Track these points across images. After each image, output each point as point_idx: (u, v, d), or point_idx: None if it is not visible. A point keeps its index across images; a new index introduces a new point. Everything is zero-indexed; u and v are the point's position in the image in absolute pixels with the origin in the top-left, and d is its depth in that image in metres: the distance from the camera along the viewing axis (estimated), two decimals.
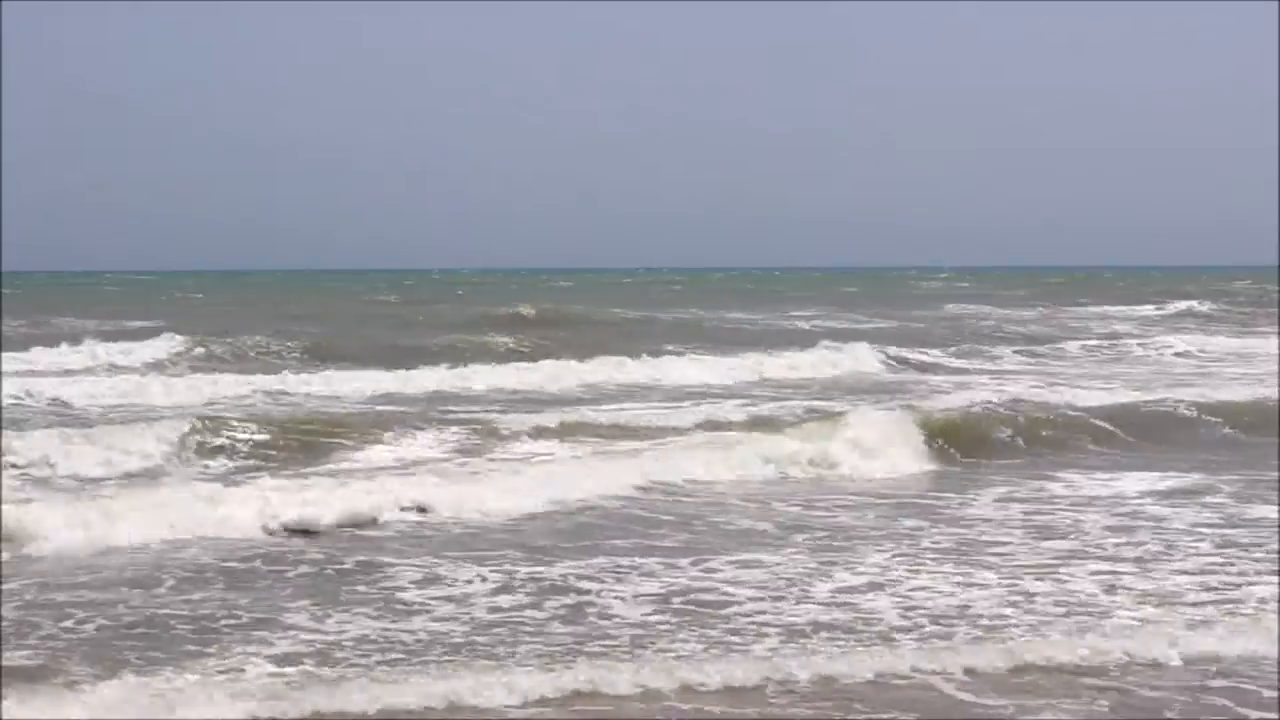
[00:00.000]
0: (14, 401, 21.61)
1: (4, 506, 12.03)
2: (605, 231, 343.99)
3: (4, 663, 8.25)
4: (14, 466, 15.46)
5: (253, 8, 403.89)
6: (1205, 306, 53.53)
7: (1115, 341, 36.10)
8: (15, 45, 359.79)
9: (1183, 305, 53.97)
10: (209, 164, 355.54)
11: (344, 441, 17.36)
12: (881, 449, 15.75)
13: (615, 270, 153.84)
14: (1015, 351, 33.12)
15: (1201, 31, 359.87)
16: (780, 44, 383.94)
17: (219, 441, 17.20)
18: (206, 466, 16.19)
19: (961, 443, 16.92)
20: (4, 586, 10.16)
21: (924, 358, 30.13)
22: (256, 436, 17.34)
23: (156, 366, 28.52)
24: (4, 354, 28.44)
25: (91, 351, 29.58)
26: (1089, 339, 36.63)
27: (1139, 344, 35.15)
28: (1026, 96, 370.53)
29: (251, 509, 12.72)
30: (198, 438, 17.01)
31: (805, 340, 35.34)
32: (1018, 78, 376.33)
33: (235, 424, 17.67)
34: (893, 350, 30.08)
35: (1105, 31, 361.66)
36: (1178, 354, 32.90)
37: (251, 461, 16.46)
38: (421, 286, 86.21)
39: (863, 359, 28.18)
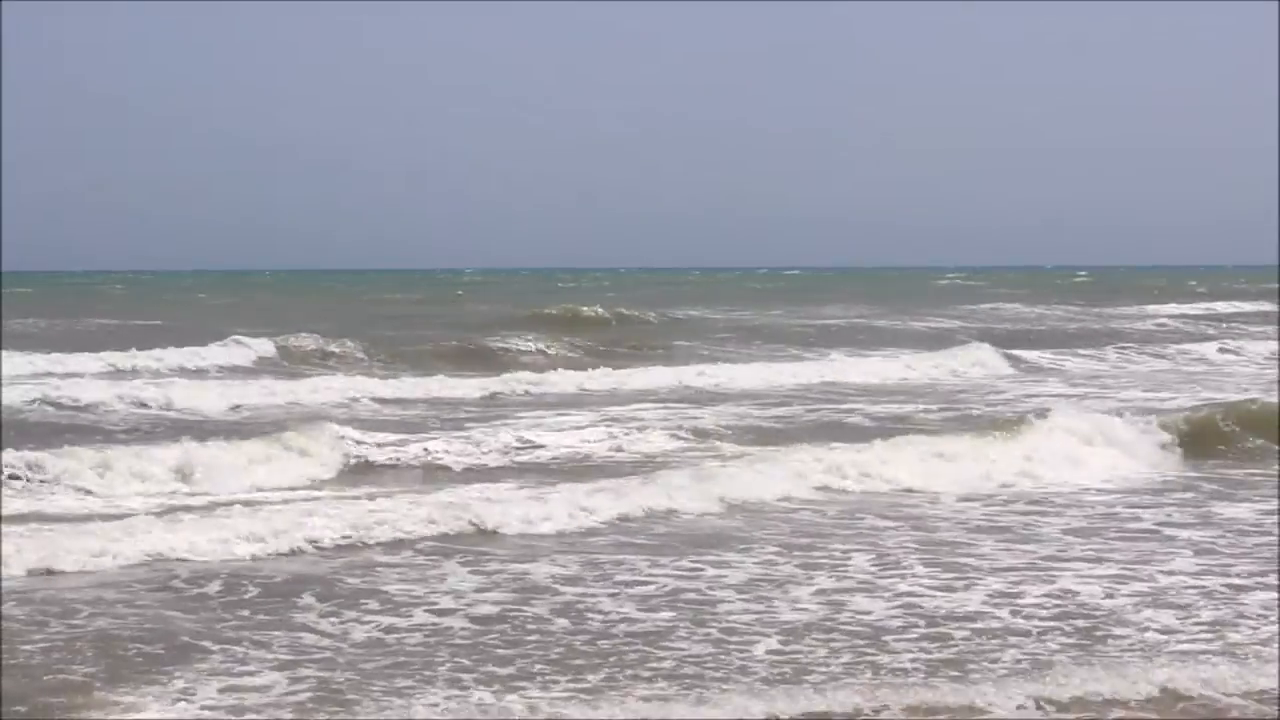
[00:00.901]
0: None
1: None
2: (605, 231, 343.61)
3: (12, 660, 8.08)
4: None
5: (253, 8, 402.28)
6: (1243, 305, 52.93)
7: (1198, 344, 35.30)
8: (15, 45, 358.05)
9: (1234, 305, 53.22)
10: (209, 164, 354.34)
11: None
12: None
13: (616, 270, 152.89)
14: (1118, 352, 32.27)
15: (1201, 31, 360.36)
16: (780, 44, 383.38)
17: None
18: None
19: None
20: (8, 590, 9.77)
21: (1041, 359, 29.36)
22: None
23: (274, 367, 27.99)
24: (90, 355, 27.56)
25: (185, 355, 28.55)
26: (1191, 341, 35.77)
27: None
28: (1026, 96, 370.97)
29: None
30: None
31: (890, 340, 34.76)
32: (1018, 78, 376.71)
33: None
34: (1013, 351, 29.32)
35: (1105, 31, 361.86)
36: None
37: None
38: (449, 286, 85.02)
39: (987, 360, 27.45)
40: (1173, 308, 52.02)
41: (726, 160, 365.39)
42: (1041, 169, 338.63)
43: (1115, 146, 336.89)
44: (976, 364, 26.83)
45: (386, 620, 9.12)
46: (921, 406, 20.99)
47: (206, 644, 8.52)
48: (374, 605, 9.51)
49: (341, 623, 9.07)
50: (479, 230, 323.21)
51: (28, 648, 8.40)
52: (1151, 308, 52.05)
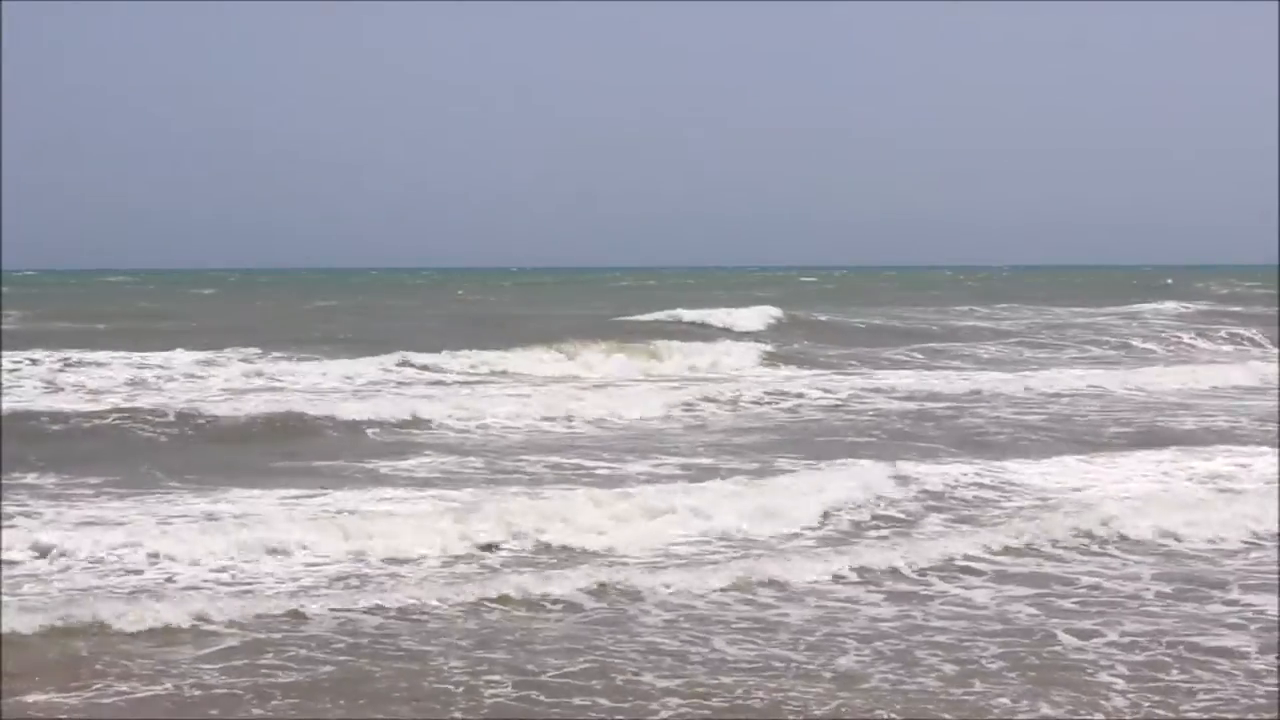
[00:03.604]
0: None
1: None
2: (605, 231, 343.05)
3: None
4: None
5: (253, 8, 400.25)
6: None
7: None
8: (15, 45, 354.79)
9: None
10: (209, 164, 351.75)
11: None
12: None
13: (617, 269, 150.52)
14: None
15: (1201, 31, 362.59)
16: (780, 44, 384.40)
17: None
18: None
19: None
20: None
21: None
22: None
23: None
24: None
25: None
26: None
27: None
28: (1027, 96, 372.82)
29: None
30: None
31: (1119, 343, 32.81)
32: (1018, 78, 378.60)
33: None
34: None
35: (1106, 32, 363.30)
36: None
37: None
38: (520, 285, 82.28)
39: None
40: None
41: (725, 160, 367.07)
42: (1041, 169, 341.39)
43: (1115, 146, 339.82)
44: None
45: None
46: None
47: None
48: None
49: None
50: (478, 230, 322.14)
51: None
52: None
